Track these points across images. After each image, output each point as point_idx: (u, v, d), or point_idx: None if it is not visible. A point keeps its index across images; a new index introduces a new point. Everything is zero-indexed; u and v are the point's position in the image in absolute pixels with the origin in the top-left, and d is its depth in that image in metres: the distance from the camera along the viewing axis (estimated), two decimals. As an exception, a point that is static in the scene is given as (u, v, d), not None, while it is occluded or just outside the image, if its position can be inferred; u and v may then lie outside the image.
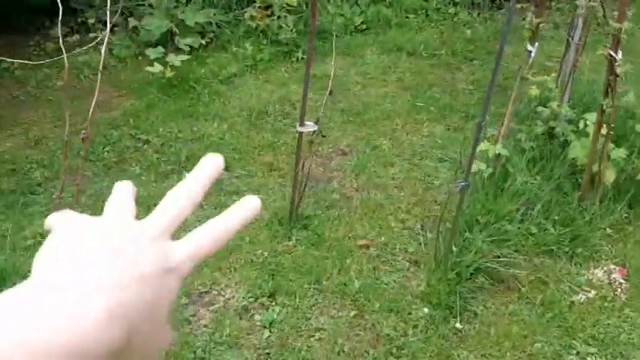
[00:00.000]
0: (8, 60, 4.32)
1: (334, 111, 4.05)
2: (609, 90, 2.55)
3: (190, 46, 4.67)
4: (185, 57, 4.30)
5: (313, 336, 2.43)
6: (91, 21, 5.11)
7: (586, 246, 2.77)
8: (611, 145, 2.86)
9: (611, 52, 2.44)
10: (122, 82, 4.43)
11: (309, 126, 2.66)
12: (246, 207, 0.45)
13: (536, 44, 2.76)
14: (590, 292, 2.58)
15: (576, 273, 2.67)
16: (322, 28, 4.91)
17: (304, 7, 4.95)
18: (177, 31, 4.52)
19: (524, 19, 2.80)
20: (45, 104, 4.17)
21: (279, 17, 4.81)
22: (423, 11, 5.42)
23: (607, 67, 2.50)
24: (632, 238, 2.84)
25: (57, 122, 3.94)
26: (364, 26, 5.12)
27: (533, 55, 2.77)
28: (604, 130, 2.83)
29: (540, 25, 2.70)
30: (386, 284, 2.66)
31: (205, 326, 2.48)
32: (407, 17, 5.33)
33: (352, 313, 2.52)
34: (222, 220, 0.44)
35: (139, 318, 0.36)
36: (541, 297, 2.55)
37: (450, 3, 5.52)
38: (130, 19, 4.86)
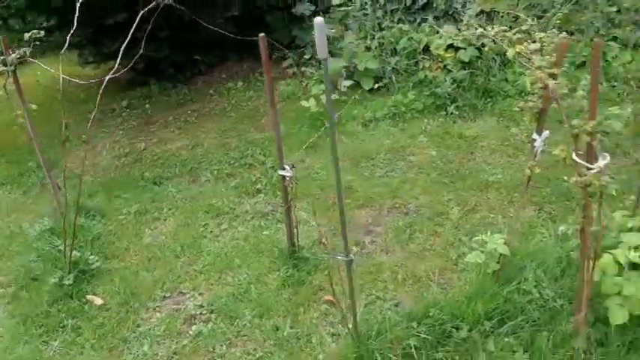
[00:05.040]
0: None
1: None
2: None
3: (363, 88, 5.02)
4: (335, 96, 4.67)
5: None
6: (307, 56, 5.93)
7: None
8: (628, 275, 2.14)
9: (575, 157, 1.88)
10: (290, 112, 5.05)
11: (287, 171, 2.79)
12: None
13: (546, 133, 2.26)
14: None
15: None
16: (489, 87, 4.64)
17: (479, 64, 4.75)
18: (343, 73, 4.91)
19: None
20: (224, 120, 5.11)
21: (449, 71, 4.74)
22: None
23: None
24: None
25: (216, 135, 4.82)
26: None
27: (537, 145, 2.29)
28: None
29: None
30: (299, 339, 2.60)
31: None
32: None
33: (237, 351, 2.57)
34: None
35: None
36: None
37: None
38: (330, 58, 5.46)
